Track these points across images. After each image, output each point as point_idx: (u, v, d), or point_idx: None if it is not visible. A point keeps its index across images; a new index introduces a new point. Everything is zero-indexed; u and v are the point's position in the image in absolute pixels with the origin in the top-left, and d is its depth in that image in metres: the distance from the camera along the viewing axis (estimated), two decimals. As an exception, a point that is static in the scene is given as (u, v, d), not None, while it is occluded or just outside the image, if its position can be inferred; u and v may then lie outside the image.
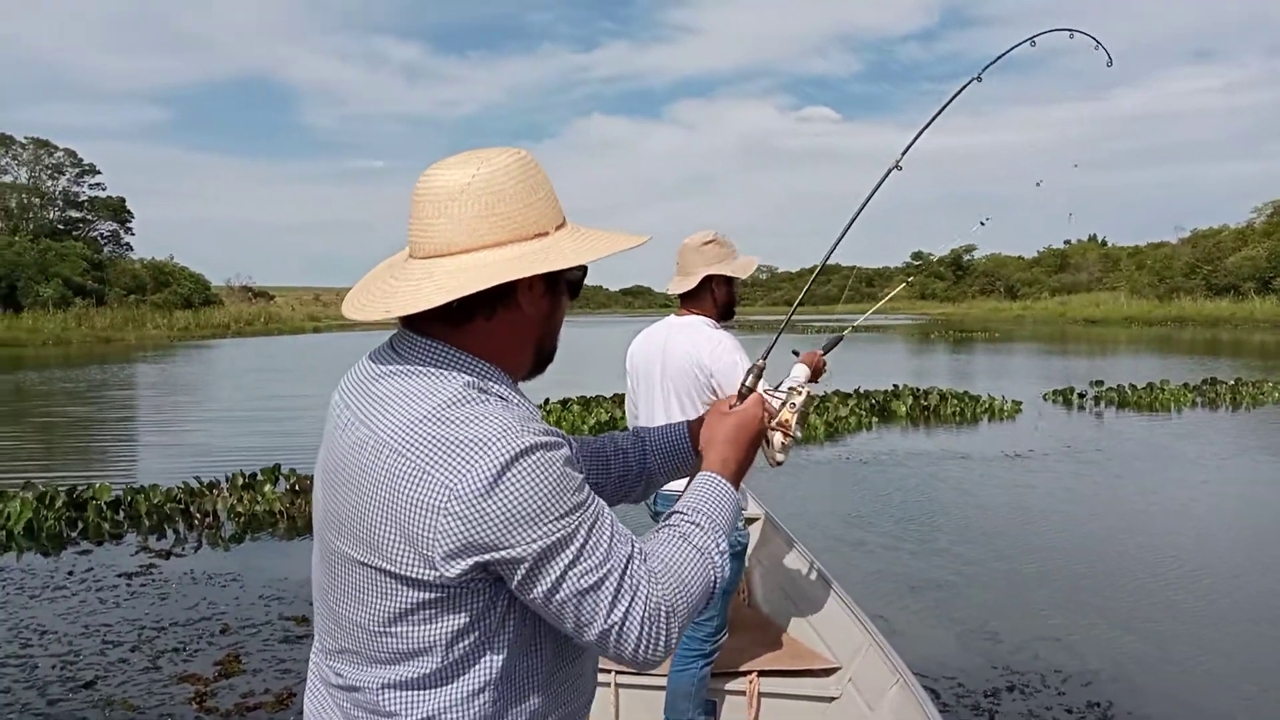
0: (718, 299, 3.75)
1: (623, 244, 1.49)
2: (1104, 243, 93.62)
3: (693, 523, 1.49)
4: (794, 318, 2.88)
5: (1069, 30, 3.00)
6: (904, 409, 16.46)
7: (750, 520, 5.52)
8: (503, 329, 1.44)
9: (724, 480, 1.58)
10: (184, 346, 43.38)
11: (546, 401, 16.18)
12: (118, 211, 68.68)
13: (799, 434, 1.78)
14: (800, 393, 1.79)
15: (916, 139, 2.55)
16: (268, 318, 65.05)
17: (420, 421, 1.32)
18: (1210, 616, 6.28)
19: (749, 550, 4.93)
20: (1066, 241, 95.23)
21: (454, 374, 1.38)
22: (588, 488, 1.38)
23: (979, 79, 2.82)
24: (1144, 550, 7.91)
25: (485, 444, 1.29)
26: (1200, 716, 4.83)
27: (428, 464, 1.29)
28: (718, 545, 1.49)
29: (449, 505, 1.27)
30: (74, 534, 8.74)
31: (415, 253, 1.44)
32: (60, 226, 65.02)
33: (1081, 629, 6.02)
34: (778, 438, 1.76)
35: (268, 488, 9.74)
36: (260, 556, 8.03)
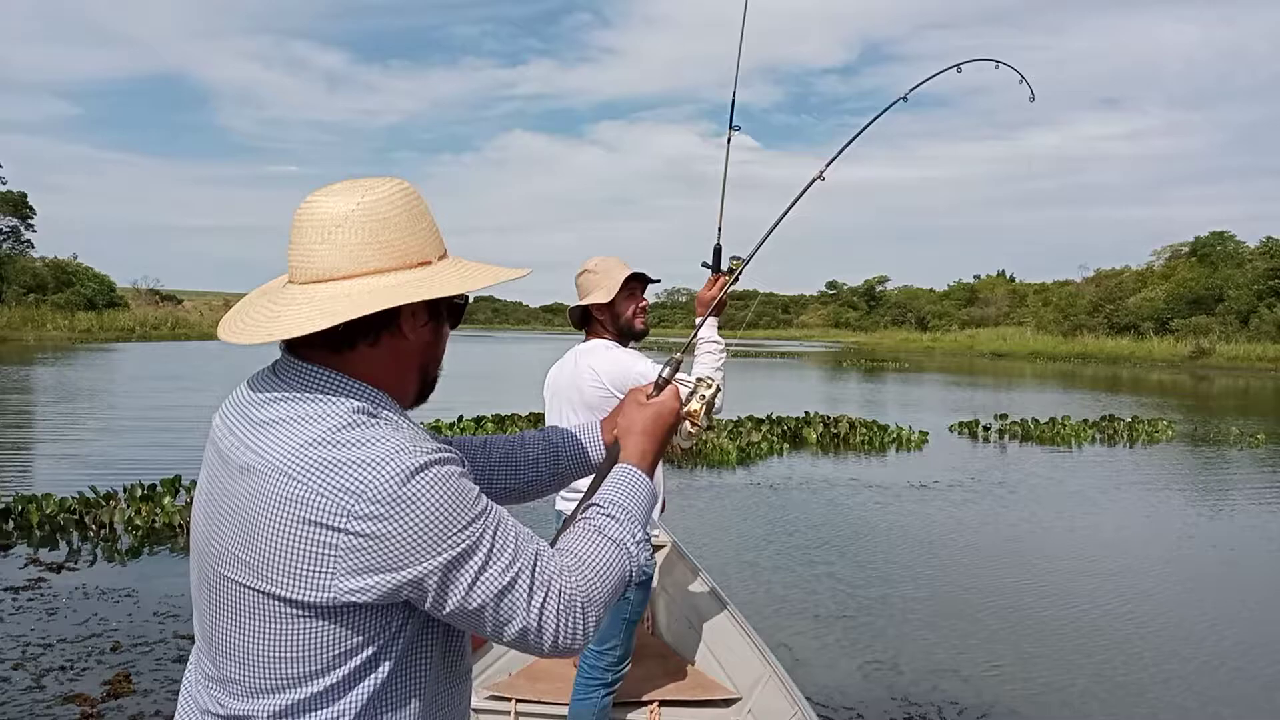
0: (605, 324, 3.77)
1: (504, 275, 1.52)
2: (1012, 279, 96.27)
3: (609, 515, 1.53)
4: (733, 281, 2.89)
5: (995, 61, 3.10)
6: (814, 436, 16.70)
7: (657, 548, 5.53)
8: (386, 356, 1.44)
9: (641, 471, 1.63)
10: (85, 349, 42.08)
11: (460, 419, 16.06)
12: (18, 207, 66.39)
13: (706, 424, 1.82)
14: (709, 384, 1.83)
15: (842, 151, 2.63)
16: (175, 322, 63.45)
17: (310, 445, 1.32)
18: (1106, 645, 6.45)
19: (655, 579, 4.96)
20: (976, 276, 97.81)
21: (342, 399, 1.38)
22: (484, 497, 1.39)
23: (905, 99, 2.91)
24: (1043, 582, 8.12)
25: (378, 464, 1.28)
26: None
27: (320, 486, 1.28)
28: (633, 536, 1.53)
29: (346, 525, 1.27)
30: (-41, 543, 8.39)
31: (296, 278, 1.43)
32: (-43, 221, 62.70)
33: (979, 661, 6.15)
34: (685, 426, 1.80)
35: (167, 500, 9.48)
36: (157, 571, 7.81)
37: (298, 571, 1.29)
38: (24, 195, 66.43)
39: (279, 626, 1.33)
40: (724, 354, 3.47)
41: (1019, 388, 34.12)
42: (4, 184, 65.83)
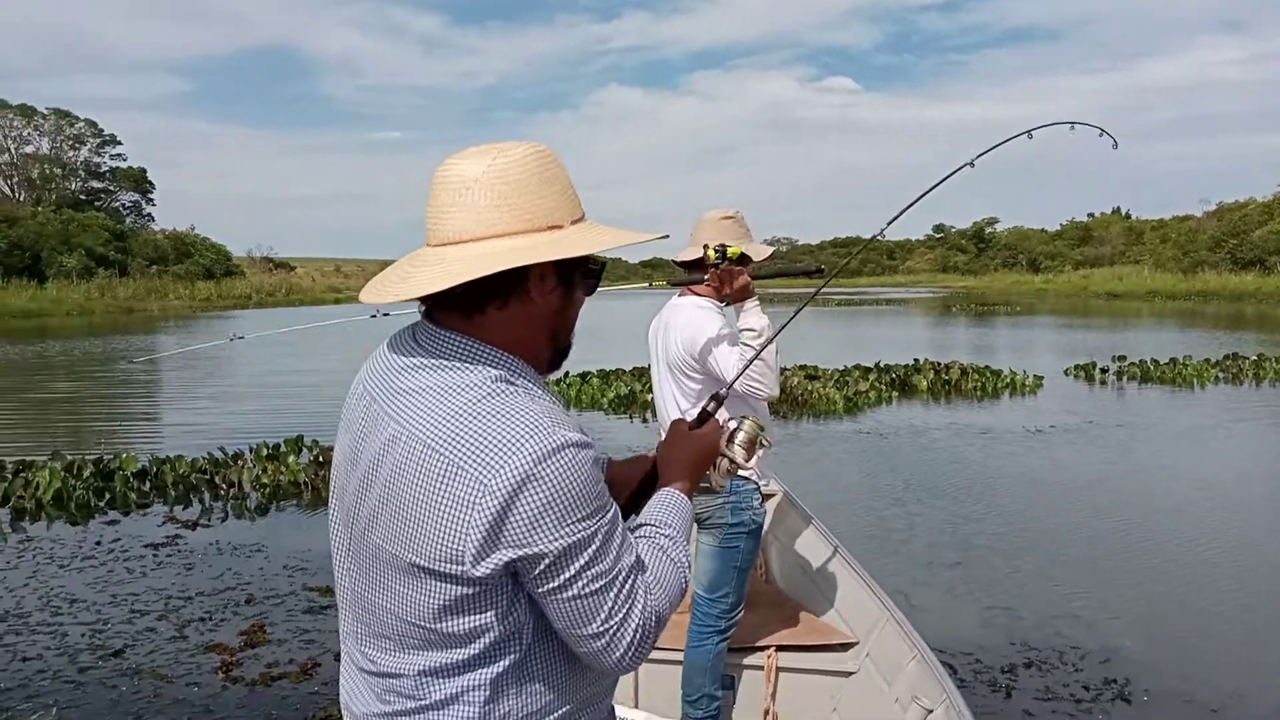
0: (711, 281, 3.61)
1: (636, 237, 1.52)
2: (1128, 215, 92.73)
3: (668, 536, 1.57)
4: (814, 291, 2.90)
5: (1070, 123, 3.04)
6: (925, 383, 16.43)
7: (767, 497, 5.52)
8: (516, 320, 1.45)
9: (685, 498, 1.67)
10: (206, 317, 43.69)
11: (566, 375, 16.22)
12: (139, 182, 69.02)
13: (744, 462, 1.86)
14: (747, 425, 1.88)
15: (905, 210, 2.64)
16: (289, 289, 65.33)
17: (454, 417, 1.35)
18: (1231, 593, 6.27)
19: (766, 527, 4.96)
20: (1090, 214, 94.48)
21: (481, 368, 1.40)
22: (607, 490, 1.42)
23: (972, 165, 2.88)
24: (1166, 526, 7.90)
25: (518, 441, 1.31)
26: (1218, 694, 4.84)
27: (462, 460, 1.31)
28: (687, 556, 1.58)
29: (482, 501, 1.30)
30: (101, 504, 8.85)
31: (431, 240, 1.46)
32: (82, 197, 65.44)
33: (1101, 606, 6.03)
34: (724, 464, 1.84)
35: (291, 459, 9.83)
36: (284, 527, 8.13)
37: (434, 542, 1.33)
38: (144, 170, 69.13)
39: (419, 594, 1.37)
40: (765, 333, 3.42)
41: (1136, 328, 32.97)
42: (124, 160, 68.44)
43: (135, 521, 8.28)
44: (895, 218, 2.66)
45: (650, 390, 3.94)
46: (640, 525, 1.59)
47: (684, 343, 3.59)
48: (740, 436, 1.86)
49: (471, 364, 1.41)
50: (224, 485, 9.30)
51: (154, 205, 70.46)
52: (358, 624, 1.49)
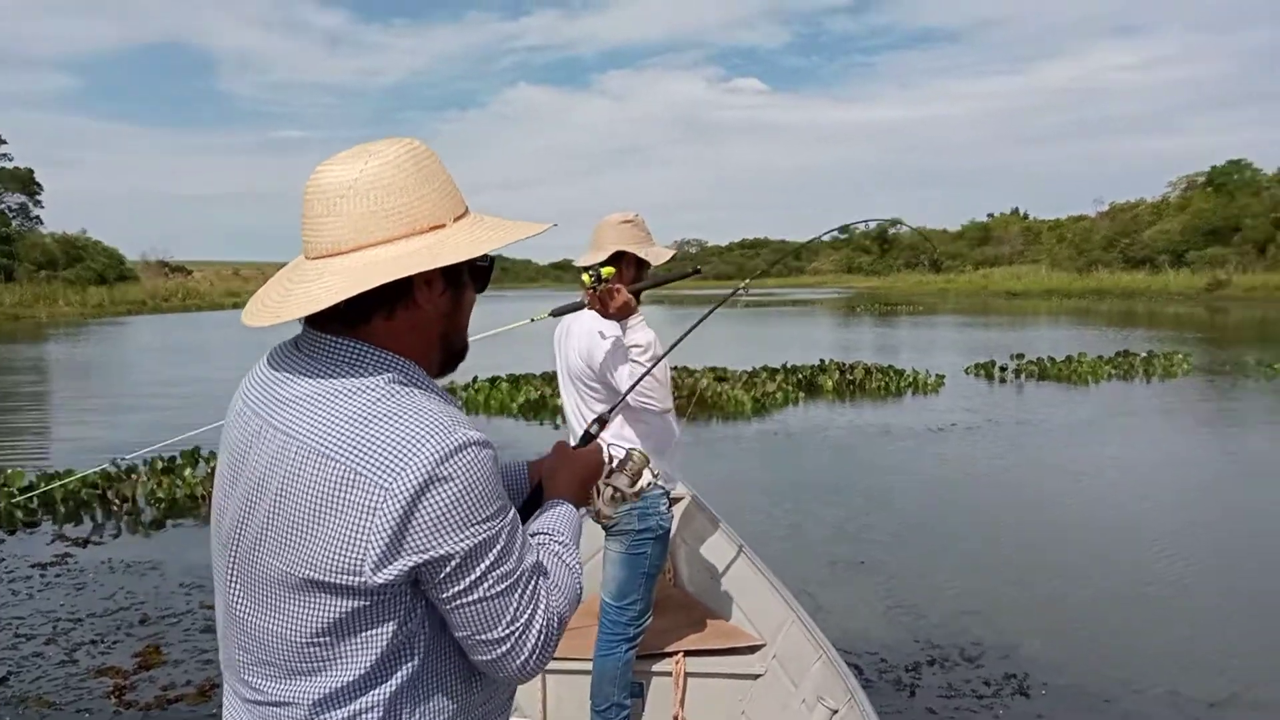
0: (625, 280, 3.62)
1: (522, 232, 1.45)
2: (1025, 216, 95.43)
3: (562, 543, 1.55)
4: (724, 293, 2.94)
5: (894, 221, 3.23)
6: (830, 383, 16.66)
7: (675, 500, 5.53)
8: (404, 328, 1.39)
9: (574, 509, 1.64)
10: (98, 324, 42.24)
11: (475, 380, 16.08)
12: (25, 183, 66.36)
13: (628, 493, 1.82)
14: (635, 456, 1.85)
15: (697, 325, 2.99)
16: (186, 293, 63.47)
17: (348, 422, 1.29)
18: (1125, 584, 6.47)
19: (674, 531, 4.96)
20: (990, 215, 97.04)
21: (372, 371, 1.35)
22: (504, 490, 1.38)
23: (742, 291, 3.56)
24: (1063, 521, 8.12)
25: (418, 441, 1.26)
26: (1112, 684, 4.98)
27: (359, 466, 1.26)
28: (579, 563, 1.55)
29: (383, 506, 1.25)
30: (-15, 522, 8.48)
31: (309, 253, 1.39)
32: (-36, 200, 62.77)
33: (1001, 601, 6.18)
34: (609, 493, 1.80)
35: (188, 471, 9.55)
36: (181, 543, 7.88)
37: (332, 554, 1.27)
38: (30, 171, 66.33)
39: (312, 612, 1.31)
40: (651, 348, 3.45)
41: (1034, 326, 33.96)
42: (10, 160, 65.82)
43: (22, 540, 7.95)
44: (760, 273, 2.70)
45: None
46: (534, 534, 1.55)
47: (582, 352, 3.62)
48: (629, 466, 1.84)
49: (361, 368, 1.35)
50: (117, 500, 8.99)
51: (42, 207, 67.77)
52: (242, 653, 1.42)
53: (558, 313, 3.83)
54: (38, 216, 67.14)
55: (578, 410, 3.72)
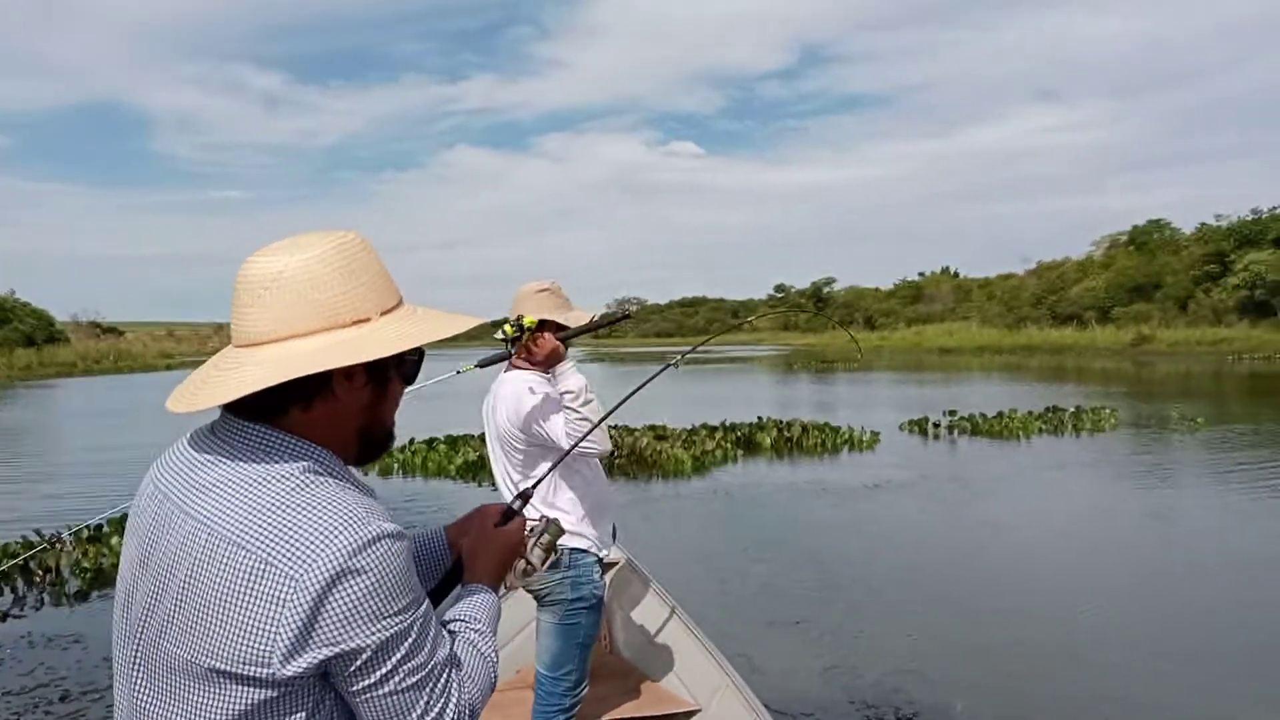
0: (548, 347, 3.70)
1: (450, 327, 1.46)
2: (956, 274, 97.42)
3: (477, 631, 1.55)
4: (665, 350, 2.98)
5: (815, 313, 3.42)
6: (768, 441, 16.76)
7: (609, 566, 5.52)
8: (321, 419, 1.40)
9: (493, 594, 1.65)
10: (25, 387, 41.17)
11: (411, 441, 15.93)
12: (-48, 245, 64.89)
13: (540, 566, 1.85)
14: (552, 529, 1.88)
15: (633, 394, 3.14)
16: (117, 355, 62.16)
17: (260, 511, 1.29)
18: (1060, 639, 6.55)
19: (609, 596, 4.94)
20: (921, 273, 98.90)
21: (287, 459, 1.35)
22: (419, 583, 1.38)
23: (676, 365, 3.62)
24: (996, 576, 8.23)
25: (331, 533, 1.26)
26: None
27: (270, 556, 1.25)
28: (495, 651, 1.56)
29: (293, 597, 1.24)
30: (-102, 596, 8.18)
31: (235, 341, 1.41)
32: (-113, 261, 61.12)
33: (938, 659, 6.21)
34: (521, 565, 1.82)
35: (115, 540, 9.29)
36: (106, 615, 7.59)
37: (239, 644, 1.26)
38: (-45, 232, 64.91)
39: (217, 704, 1.29)
40: (583, 393, 3.53)
41: (967, 382, 34.54)
42: (-67, 222, 64.38)
43: (-63, 614, 7.67)
44: (687, 352, 2.81)
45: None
46: (450, 620, 1.55)
47: (509, 415, 3.63)
48: (544, 539, 1.86)
49: (276, 456, 1.34)
50: (39, 571, 8.72)
51: (-32, 269, 66.28)
52: None
53: (484, 364, 3.88)
54: (-38, 277, 65.49)
55: (506, 477, 3.74)
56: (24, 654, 6.62)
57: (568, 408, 3.50)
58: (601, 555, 3.81)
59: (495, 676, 1.53)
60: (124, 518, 7.62)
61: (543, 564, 1.85)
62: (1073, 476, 13.43)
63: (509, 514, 1.79)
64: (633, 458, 14.65)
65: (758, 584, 8.06)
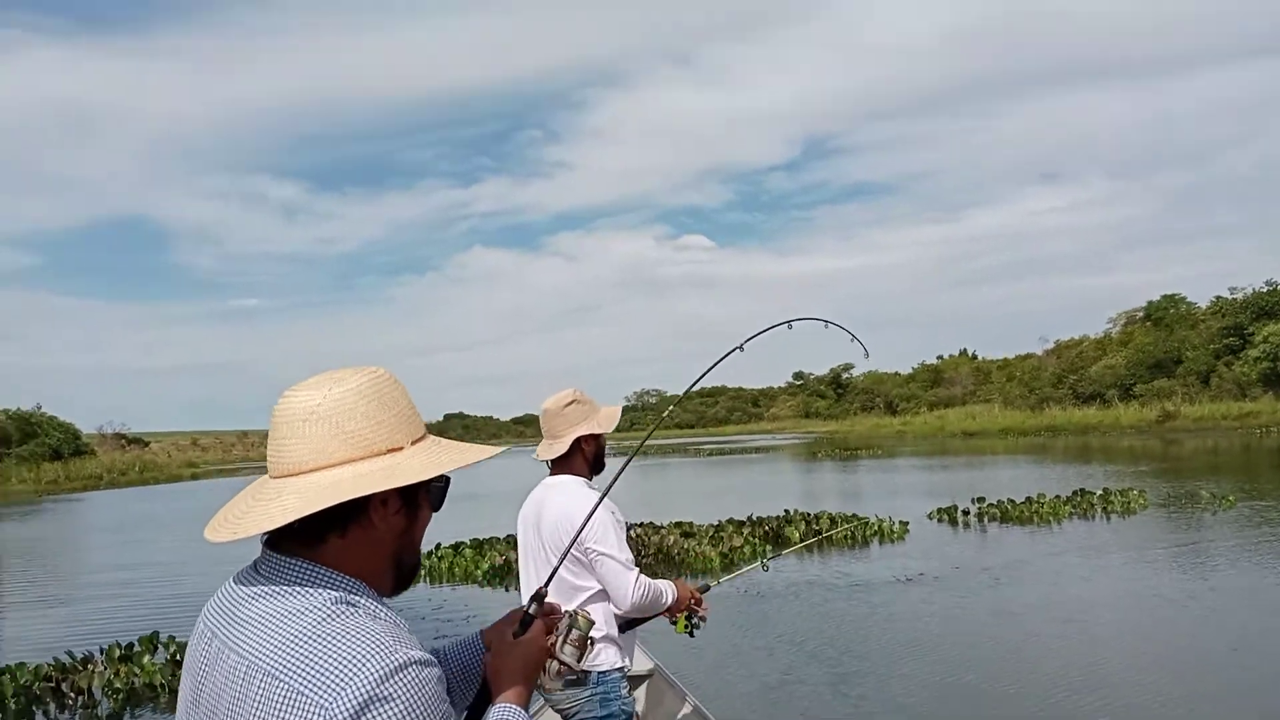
0: (587, 456, 3.81)
1: (477, 455, 1.54)
2: (974, 356, 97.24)
3: None
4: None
5: (824, 321, 3.53)
6: (797, 535, 16.62)
7: (639, 678, 5.44)
8: (357, 545, 1.45)
9: (522, 710, 1.65)
10: (53, 501, 41.37)
11: (438, 546, 15.89)
12: (-21, 361, 65.80)
13: (575, 664, 1.83)
14: (579, 622, 1.85)
15: (703, 375, 3.23)
16: (143, 466, 62.58)
17: (293, 642, 1.33)
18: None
19: (641, 710, 4.90)
20: (939, 356, 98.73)
21: (320, 591, 1.40)
22: (450, 708, 1.41)
23: (741, 349, 3.30)
24: (1044, 674, 8.06)
25: (359, 662, 1.29)
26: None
27: (302, 686, 1.29)
28: None
29: None
30: (-68, 723, 8.17)
31: (272, 472, 1.48)
32: (-84, 381, 62.03)
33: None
34: (554, 666, 1.80)
35: (146, 659, 9.28)
36: (139, 737, 7.62)
37: None
38: (-16, 349, 65.90)
39: None
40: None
41: (992, 466, 34.23)
42: (-39, 340, 65.36)
43: (-29, 741, 7.65)
44: (692, 385, 2.91)
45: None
46: None
47: (567, 532, 3.55)
48: (573, 635, 1.82)
49: (310, 588, 1.40)
50: (71, 693, 8.70)
51: (-5, 384, 67.12)
52: None
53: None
54: (-10, 393, 66.20)
55: (539, 577, 3.73)
56: (59, 781, 6.58)
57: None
58: (624, 668, 3.75)
59: None
60: (154, 635, 7.71)
61: (577, 661, 1.80)
62: (1106, 562, 13.23)
63: (525, 622, 1.77)
64: (660, 557, 14.56)
65: (795, 688, 7.94)
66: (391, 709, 1.28)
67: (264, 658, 1.33)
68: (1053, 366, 74.79)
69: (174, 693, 8.55)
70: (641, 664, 5.49)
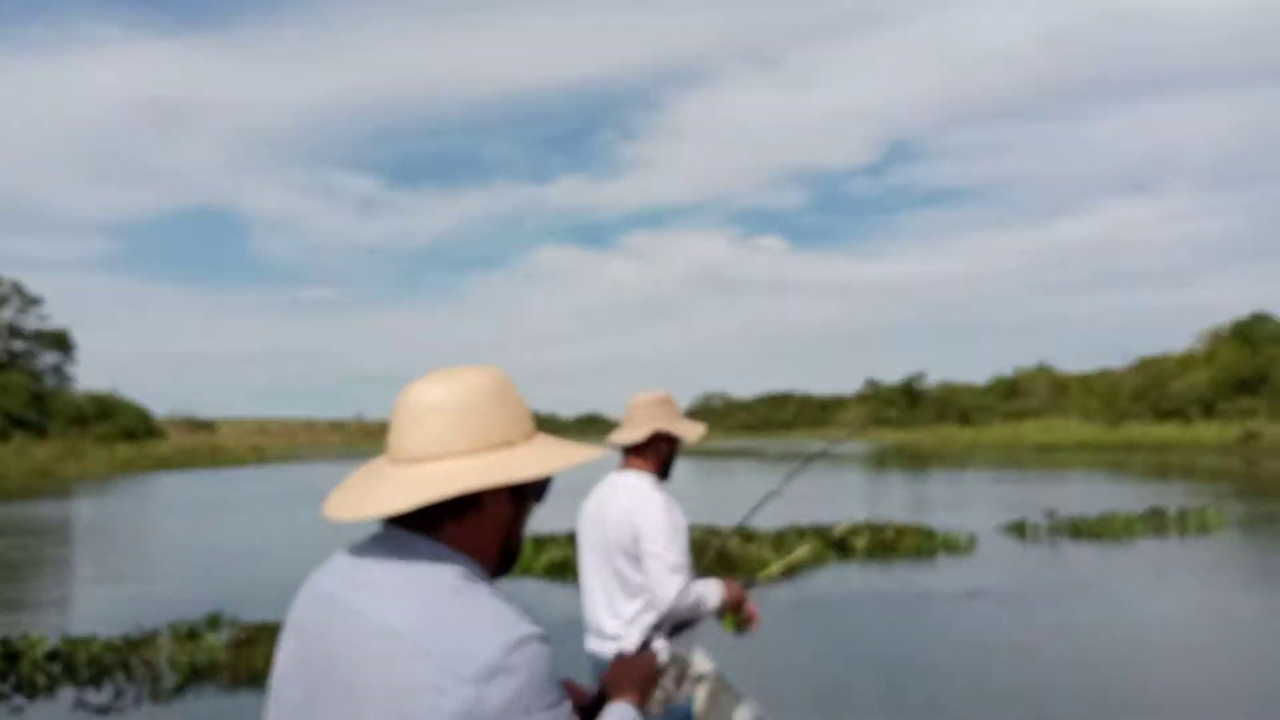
0: (662, 454, 3.74)
1: (582, 456, 1.62)
2: (1052, 369, 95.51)
3: None
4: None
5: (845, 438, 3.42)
6: (862, 544, 16.38)
7: (699, 679, 5.37)
8: (472, 531, 1.52)
9: (635, 710, 1.77)
10: (125, 480, 42.51)
11: (500, 539, 15.95)
12: (60, 343, 68.10)
13: (675, 691, 2.09)
14: (675, 661, 2.13)
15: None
16: (211, 449, 64.06)
17: (421, 606, 1.39)
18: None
19: (700, 712, 4.82)
20: (1015, 368, 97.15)
21: (444, 565, 1.46)
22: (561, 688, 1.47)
23: (780, 493, 3.67)
24: (1109, 693, 7.83)
25: (487, 632, 1.36)
26: None
27: (430, 646, 1.35)
28: None
29: (451, 688, 1.32)
30: (5, 687, 8.35)
31: (393, 456, 1.55)
32: (2, 359, 64.24)
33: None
34: (659, 694, 2.01)
35: (210, 637, 9.42)
36: (202, 711, 7.75)
37: None
38: (66, 332, 68.16)
39: None
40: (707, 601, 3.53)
41: (1066, 481, 33.56)
42: (48, 320, 67.63)
43: (42, 707, 7.84)
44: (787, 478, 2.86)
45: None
46: None
47: (629, 528, 3.51)
48: (672, 669, 2.04)
49: (434, 562, 1.46)
50: (139, 666, 8.86)
51: (76, 366, 69.33)
52: None
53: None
54: (71, 375, 68.56)
55: (606, 594, 3.62)
56: (121, 753, 6.68)
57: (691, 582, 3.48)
58: (688, 668, 3.70)
59: None
60: (217, 615, 7.76)
61: (677, 690, 2.07)
62: (1178, 582, 12.85)
63: (644, 646, 2.02)
64: (720, 560, 14.45)
65: (855, 700, 7.81)
66: (515, 679, 1.35)
67: (394, 620, 1.39)
68: (1133, 381, 73.18)
69: (234, 670, 8.71)
70: (702, 665, 5.43)
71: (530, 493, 1.62)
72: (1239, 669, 8.62)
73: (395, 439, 1.56)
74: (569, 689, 1.87)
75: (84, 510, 28.33)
